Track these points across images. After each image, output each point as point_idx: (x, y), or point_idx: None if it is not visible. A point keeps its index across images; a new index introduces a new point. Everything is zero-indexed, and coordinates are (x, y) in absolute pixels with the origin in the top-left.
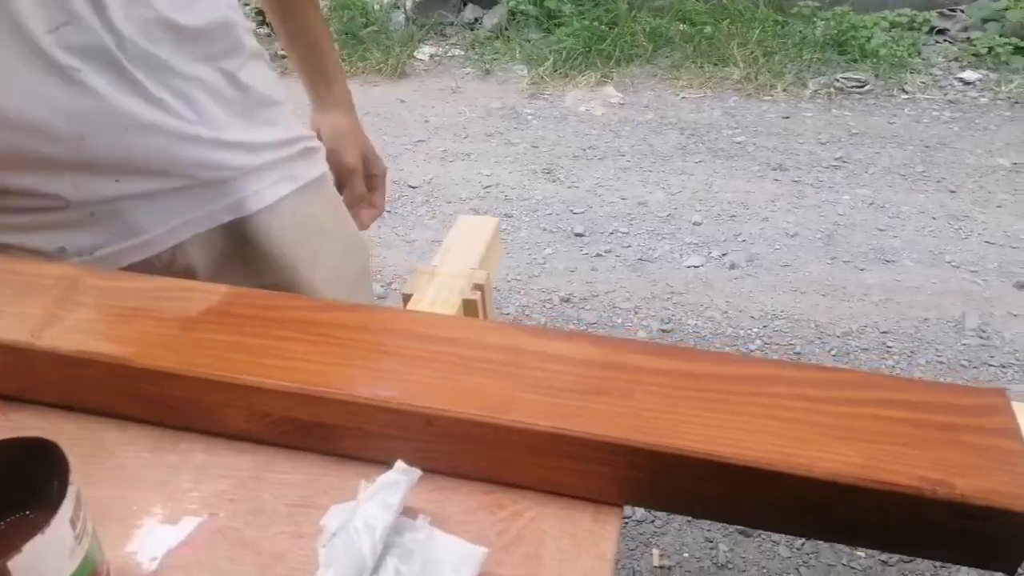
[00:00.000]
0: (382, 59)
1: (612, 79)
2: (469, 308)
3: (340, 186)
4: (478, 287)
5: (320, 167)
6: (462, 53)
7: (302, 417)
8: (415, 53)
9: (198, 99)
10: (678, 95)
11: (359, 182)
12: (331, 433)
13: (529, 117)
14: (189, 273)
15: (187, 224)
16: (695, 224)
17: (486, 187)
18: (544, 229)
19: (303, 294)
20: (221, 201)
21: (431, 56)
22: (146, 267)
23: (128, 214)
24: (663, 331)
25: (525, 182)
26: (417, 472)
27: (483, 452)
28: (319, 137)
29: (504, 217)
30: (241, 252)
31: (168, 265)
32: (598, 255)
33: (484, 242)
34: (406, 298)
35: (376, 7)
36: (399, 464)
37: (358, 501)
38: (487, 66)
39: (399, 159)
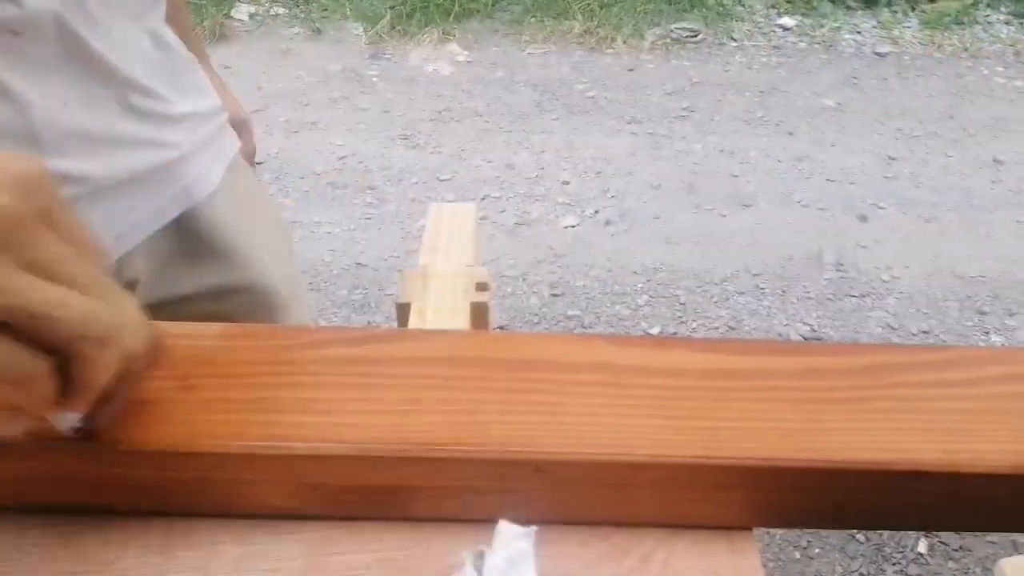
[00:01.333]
0: (196, 21)
1: (454, 36)
2: (478, 312)
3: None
4: (482, 286)
5: (236, 141)
6: (286, 11)
7: (367, 484)
8: (232, 13)
9: (133, 63)
10: (523, 51)
11: (249, 136)
12: (402, 497)
13: (374, 79)
14: (131, 286)
15: (134, 228)
16: (564, 183)
17: (341, 158)
18: (413, 199)
19: (253, 283)
20: (168, 192)
21: (251, 16)
22: None
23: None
24: (554, 295)
25: (383, 150)
26: (532, 532)
27: (599, 495)
28: None
29: (366, 190)
30: (186, 251)
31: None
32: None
33: (470, 233)
34: (403, 308)
35: None
36: (505, 525)
37: None
38: (317, 25)
39: None
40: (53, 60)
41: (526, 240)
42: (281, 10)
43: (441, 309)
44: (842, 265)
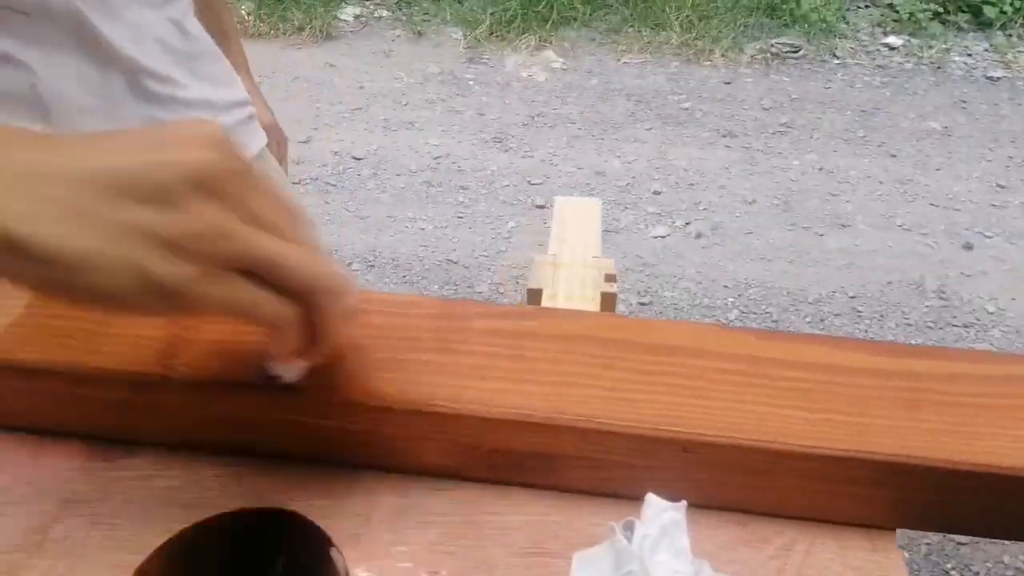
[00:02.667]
0: (304, 20)
1: (551, 43)
2: (607, 301)
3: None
4: (611, 278)
5: (263, 136)
6: (389, 14)
7: (520, 448)
8: (338, 14)
9: (150, 50)
10: (619, 60)
11: (274, 143)
12: (552, 465)
13: (470, 83)
14: None
15: None
16: (655, 193)
17: (436, 158)
18: (504, 201)
19: None
20: None
21: (356, 17)
22: None
23: None
24: (641, 304)
25: (477, 152)
26: (683, 505)
27: (742, 480)
28: None
29: (459, 189)
30: None
31: None
32: None
33: (596, 226)
34: (534, 293)
35: None
36: (655, 498)
37: (620, 547)
38: (418, 28)
39: (337, 128)
40: (63, 39)
41: (615, 247)
42: (385, 13)
43: (573, 297)
44: (944, 293)
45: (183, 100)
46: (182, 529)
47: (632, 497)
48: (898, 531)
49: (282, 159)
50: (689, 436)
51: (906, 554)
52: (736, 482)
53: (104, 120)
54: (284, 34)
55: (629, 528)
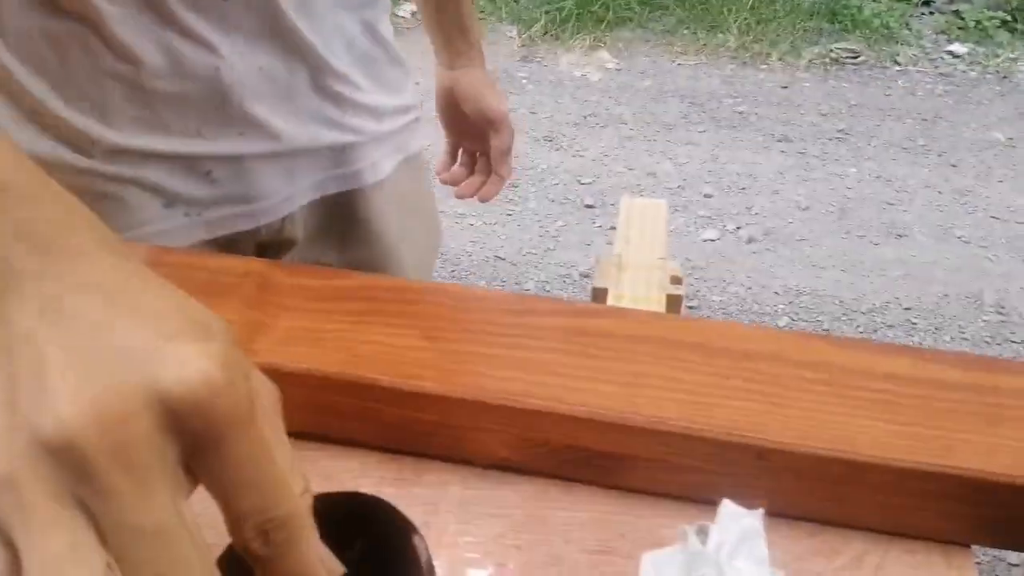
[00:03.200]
0: None
1: (605, 43)
2: (672, 303)
3: (457, 149)
4: (676, 280)
5: (425, 139)
6: None
7: (589, 447)
8: (396, 11)
9: (338, 51)
10: (674, 61)
11: (507, 131)
12: (620, 465)
13: (524, 81)
14: (288, 244)
15: (302, 192)
16: (706, 196)
17: None
18: (553, 200)
19: (388, 272)
20: (340, 169)
21: (413, 14)
22: (252, 235)
23: (248, 174)
24: (689, 307)
25: (527, 150)
26: (761, 513)
27: (816, 489)
28: (453, 95)
29: (509, 187)
30: (341, 226)
31: (275, 235)
32: (612, 228)
33: (662, 228)
34: (599, 292)
35: None
36: (731, 504)
37: (693, 550)
38: None
39: None
40: (255, 28)
41: None
42: None
43: (638, 298)
44: (1003, 308)
45: (356, 102)
46: None
47: (702, 501)
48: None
49: (507, 151)
50: (764, 443)
51: None
52: (810, 491)
53: (278, 113)
54: None
55: (703, 532)
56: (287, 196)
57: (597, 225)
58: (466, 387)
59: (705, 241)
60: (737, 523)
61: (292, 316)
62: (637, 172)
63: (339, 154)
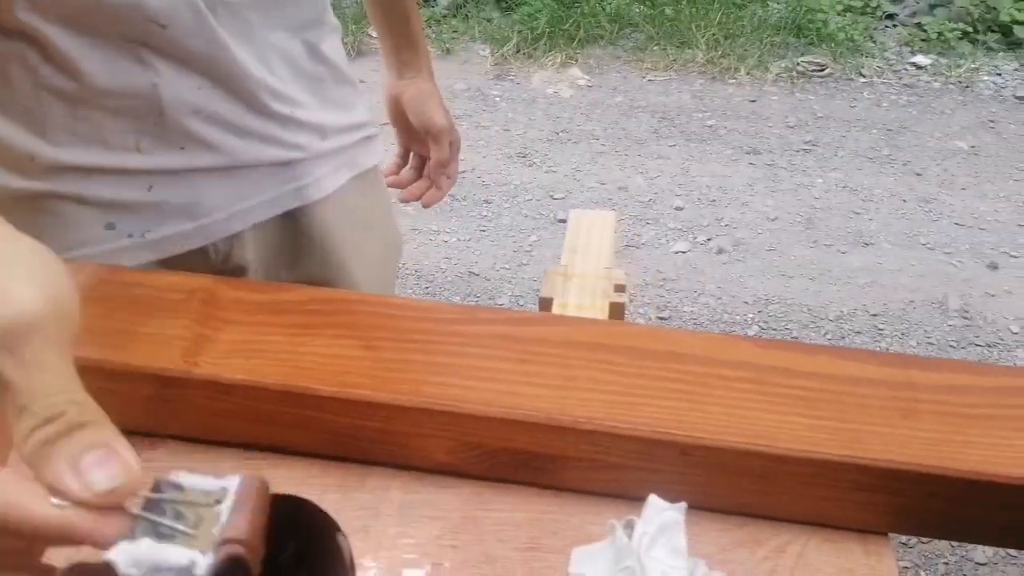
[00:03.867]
0: None
1: (577, 61)
2: (615, 311)
3: (408, 154)
4: (620, 288)
5: (376, 156)
6: None
7: (522, 448)
8: (369, 31)
9: (277, 68)
10: (644, 77)
11: (447, 144)
12: (552, 465)
13: (497, 99)
14: (240, 271)
15: (249, 211)
16: (677, 209)
17: (461, 172)
18: (526, 215)
19: (341, 287)
20: (285, 187)
21: None
22: (202, 258)
23: (190, 192)
24: (660, 319)
25: (501, 167)
26: (683, 507)
27: (739, 483)
28: (399, 103)
29: (483, 203)
30: (291, 245)
31: (224, 259)
32: None
33: (609, 238)
34: (545, 302)
35: None
36: (656, 499)
37: (619, 544)
38: (447, 45)
39: None
40: (192, 51)
41: (635, 262)
42: None
43: (583, 306)
44: (967, 313)
45: (299, 120)
46: None
47: (632, 498)
48: (921, 556)
49: (446, 162)
50: (687, 439)
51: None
52: (734, 485)
53: (217, 128)
54: None
55: (630, 527)
56: (233, 213)
57: None
58: (404, 394)
59: (676, 253)
60: (659, 516)
61: (235, 330)
62: (609, 187)
63: (283, 170)
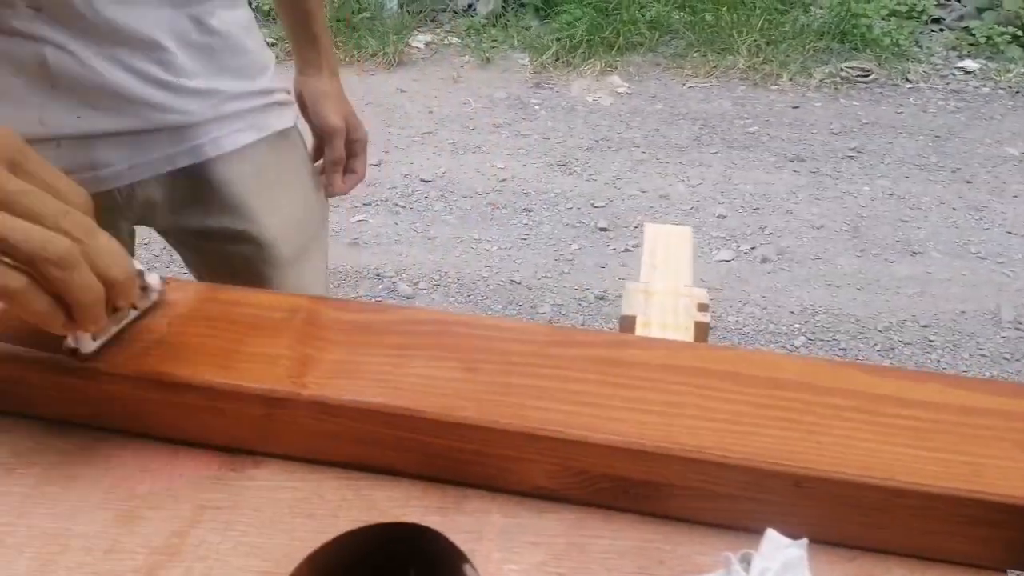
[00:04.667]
0: (378, 47)
1: (616, 68)
2: (700, 331)
3: (321, 148)
4: (703, 307)
5: (287, 121)
6: (458, 41)
7: (626, 475)
8: (410, 41)
9: (162, 38)
10: (684, 84)
11: (340, 144)
12: (657, 493)
13: (536, 107)
14: (149, 207)
15: (147, 164)
16: (720, 217)
17: (502, 180)
18: (567, 224)
19: (253, 236)
20: (179, 146)
21: (427, 44)
22: (108, 199)
23: (92, 148)
24: None
25: (541, 175)
26: (805, 543)
27: (851, 515)
28: (302, 99)
29: (524, 212)
30: (197, 195)
31: (128, 199)
32: (626, 250)
33: (688, 254)
34: (627, 320)
35: None
36: (775, 533)
37: None
38: (486, 54)
39: (408, 151)
40: (78, 26)
41: None
42: (454, 39)
43: (667, 325)
44: (1021, 324)
45: (189, 88)
46: (332, 539)
47: (740, 529)
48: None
49: (361, 152)
50: (801, 471)
51: None
52: (845, 518)
53: (108, 97)
54: (359, 60)
55: (745, 561)
56: (132, 165)
57: (611, 248)
58: (506, 417)
59: (720, 262)
60: (781, 552)
61: (337, 350)
62: (650, 195)
63: (177, 132)
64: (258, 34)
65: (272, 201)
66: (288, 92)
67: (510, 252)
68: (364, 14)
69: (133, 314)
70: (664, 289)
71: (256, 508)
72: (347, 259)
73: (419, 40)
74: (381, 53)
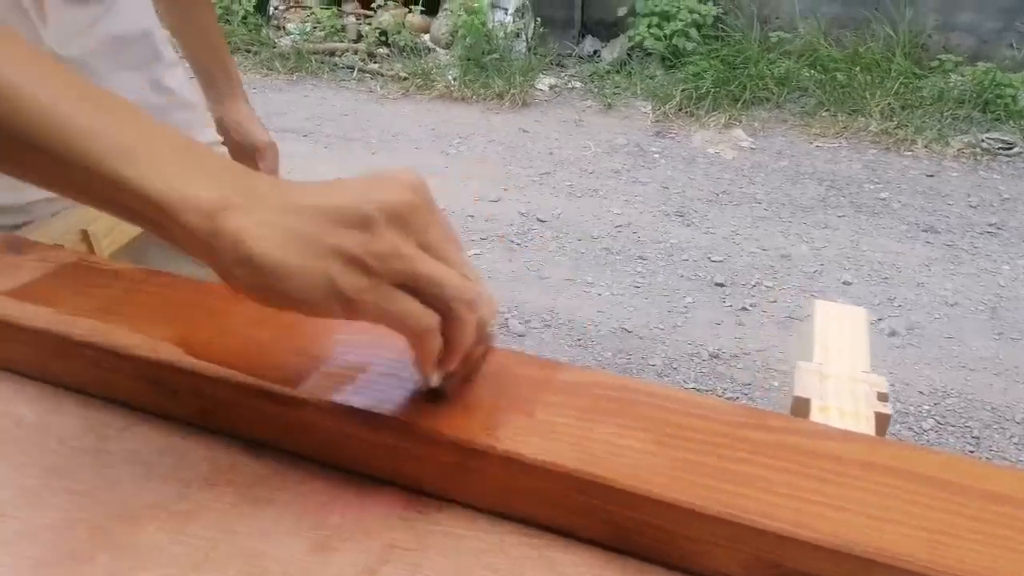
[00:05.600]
0: (504, 87)
1: (741, 122)
2: (881, 423)
3: (254, 162)
4: (883, 397)
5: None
6: (581, 85)
7: None
8: (535, 83)
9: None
10: (812, 143)
11: (274, 156)
12: None
13: (656, 156)
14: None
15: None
16: (845, 284)
17: (617, 226)
18: (682, 275)
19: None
20: None
21: (551, 87)
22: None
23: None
24: None
25: (658, 224)
26: None
27: None
28: (223, 126)
29: (638, 259)
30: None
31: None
32: (743, 309)
33: (864, 337)
34: (801, 402)
35: (500, 35)
36: None
37: None
38: (608, 100)
39: (526, 190)
40: None
41: (799, 336)
42: (577, 84)
43: (845, 412)
44: None
45: None
46: None
47: None
48: None
49: (274, 170)
50: None
51: None
52: None
53: None
54: (484, 99)
55: None
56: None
57: (727, 305)
58: (700, 499)
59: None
60: None
61: (526, 407)
62: (771, 253)
63: None
64: (196, 87)
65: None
66: (220, 142)
67: (622, 299)
68: (493, 55)
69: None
70: (840, 373)
71: (442, 554)
72: None
73: (544, 83)
74: (507, 93)
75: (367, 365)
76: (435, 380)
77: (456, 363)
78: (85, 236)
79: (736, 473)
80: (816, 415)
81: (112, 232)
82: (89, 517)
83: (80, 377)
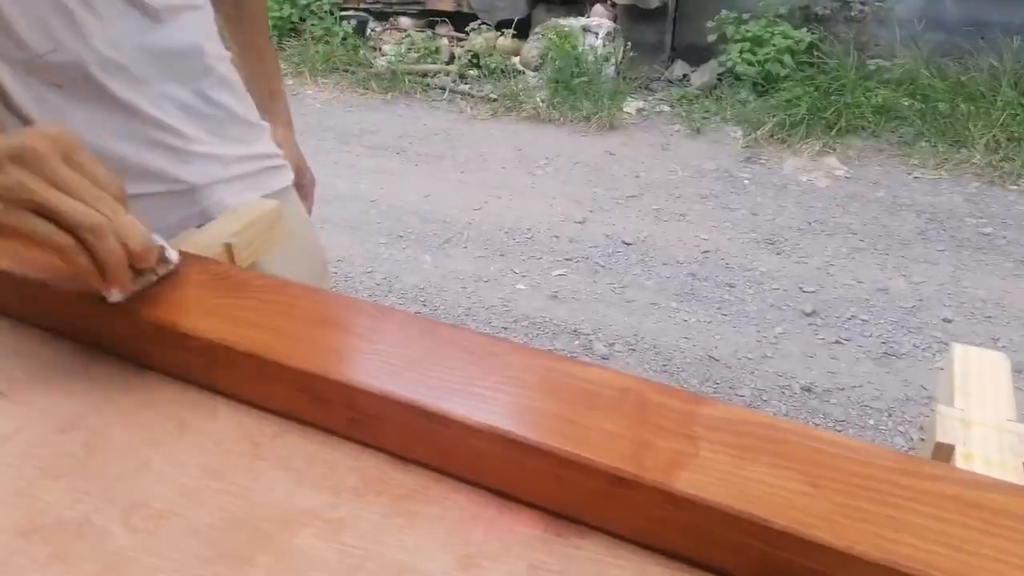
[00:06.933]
0: (591, 110)
1: (835, 150)
2: None
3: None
4: None
5: (284, 181)
6: (669, 109)
7: None
8: (623, 106)
9: (170, 112)
10: (910, 174)
11: (301, 174)
12: None
13: (746, 182)
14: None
15: (163, 232)
16: (945, 321)
17: (704, 252)
18: (772, 305)
19: None
20: (190, 209)
21: (638, 111)
22: None
23: None
24: (922, 440)
25: (747, 251)
26: None
27: None
28: None
29: (726, 286)
30: None
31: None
32: (836, 342)
33: (1007, 385)
34: (944, 448)
35: (590, 59)
36: None
37: None
38: (697, 125)
39: (611, 213)
40: (86, 101)
41: (895, 373)
42: (665, 108)
43: (992, 461)
44: None
45: (193, 152)
46: None
47: None
48: None
49: (309, 195)
50: None
51: None
52: None
53: (113, 161)
54: (572, 121)
55: None
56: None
57: (820, 337)
58: (863, 545)
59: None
60: None
61: (669, 438)
62: (867, 286)
63: (183, 196)
64: (252, 104)
65: (274, 255)
66: (282, 155)
67: (709, 326)
68: (582, 78)
69: (154, 278)
70: (985, 420)
71: None
72: (546, 311)
73: (631, 106)
74: (594, 116)
75: (514, 385)
76: (114, 296)
77: (114, 280)
78: (228, 248)
79: (896, 519)
80: (960, 463)
81: (252, 244)
82: (247, 518)
83: (237, 384)
